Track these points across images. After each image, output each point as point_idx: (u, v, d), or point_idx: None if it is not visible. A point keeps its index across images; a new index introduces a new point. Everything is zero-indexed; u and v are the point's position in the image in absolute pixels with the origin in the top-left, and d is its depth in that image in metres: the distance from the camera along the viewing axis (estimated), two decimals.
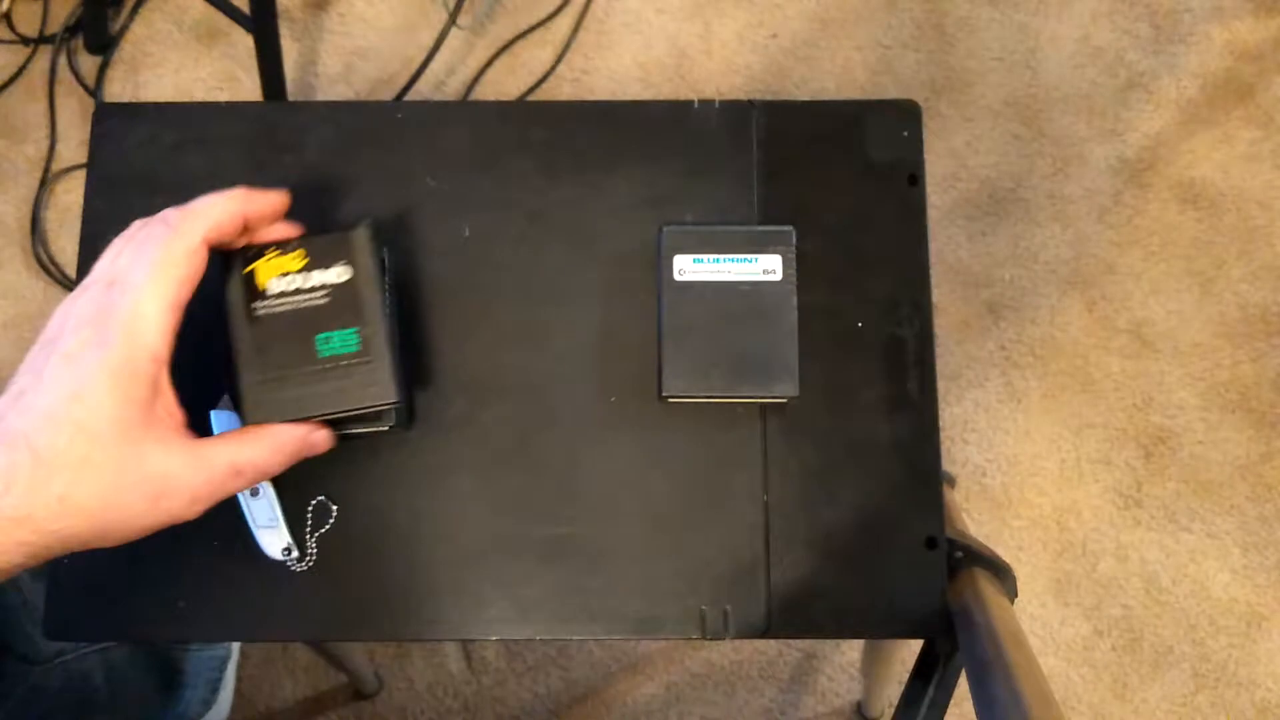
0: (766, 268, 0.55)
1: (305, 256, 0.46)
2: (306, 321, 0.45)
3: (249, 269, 0.45)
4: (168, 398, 0.40)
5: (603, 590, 0.54)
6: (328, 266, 0.46)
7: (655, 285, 0.56)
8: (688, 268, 0.55)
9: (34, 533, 0.36)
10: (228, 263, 0.45)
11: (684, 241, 0.55)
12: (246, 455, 0.41)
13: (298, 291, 0.46)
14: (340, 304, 0.46)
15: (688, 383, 0.54)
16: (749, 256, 0.55)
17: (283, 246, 0.45)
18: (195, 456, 0.39)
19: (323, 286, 0.46)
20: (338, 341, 0.45)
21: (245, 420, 0.44)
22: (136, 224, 0.43)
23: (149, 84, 1.29)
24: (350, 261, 0.46)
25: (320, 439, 0.45)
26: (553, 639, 0.57)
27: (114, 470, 0.37)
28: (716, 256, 0.55)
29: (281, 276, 0.46)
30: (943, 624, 0.54)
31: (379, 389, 0.45)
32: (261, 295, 0.45)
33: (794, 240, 0.55)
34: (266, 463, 0.42)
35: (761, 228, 0.56)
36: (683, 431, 0.56)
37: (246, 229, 0.44)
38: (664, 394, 0.54)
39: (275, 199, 0.45)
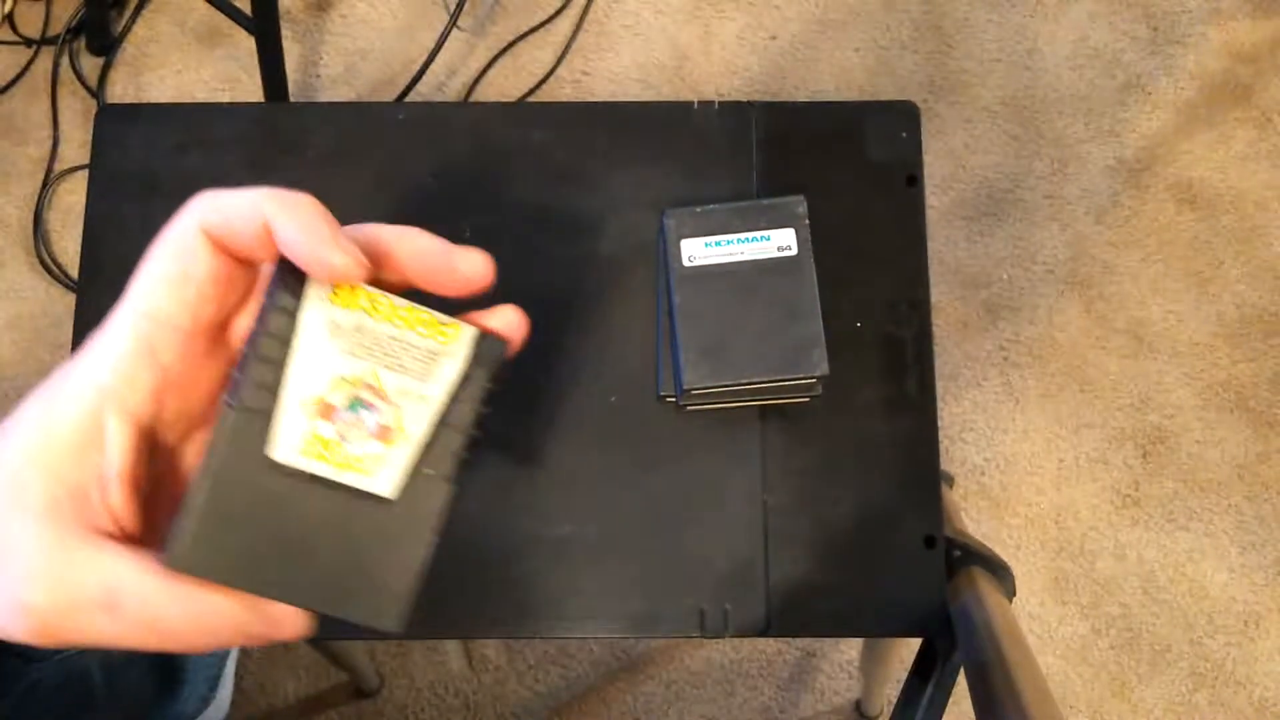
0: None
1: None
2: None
3: None
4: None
5: (603, 589, 0.54)
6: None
7: (655, 285, 0.56)
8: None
9: None
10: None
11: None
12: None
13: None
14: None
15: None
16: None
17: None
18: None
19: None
20: None
21: None
22: None
23: (151, 85, 1.29)
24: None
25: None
26: (553, 637, 0.57)
27: None
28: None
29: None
30: (941, 623, 0.54)
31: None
32: None
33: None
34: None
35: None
36: (682, 431, 0.56)
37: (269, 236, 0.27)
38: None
39: (314, 226, 0.27)
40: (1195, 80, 1.28)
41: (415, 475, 0.28)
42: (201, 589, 0.27)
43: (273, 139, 0.59)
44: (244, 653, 1.09)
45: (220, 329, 0.29)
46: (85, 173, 1.11)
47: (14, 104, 1.28)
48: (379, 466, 0.28)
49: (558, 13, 1.30)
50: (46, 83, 1.28)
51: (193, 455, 0.30)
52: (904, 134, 0.60)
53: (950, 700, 0.55)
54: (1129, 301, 1.21)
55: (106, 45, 1.28)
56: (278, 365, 0.27)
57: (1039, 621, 1.14)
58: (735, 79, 1.29)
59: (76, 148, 1.26)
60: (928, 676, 0.56)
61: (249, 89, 1.28)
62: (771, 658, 1.13)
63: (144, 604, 0.26)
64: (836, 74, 1.29)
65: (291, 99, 1.21)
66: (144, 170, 0.59)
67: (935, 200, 1.24)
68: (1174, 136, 1.26)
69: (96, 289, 0.58)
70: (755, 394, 0.54)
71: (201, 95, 1.29)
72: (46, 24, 1.29)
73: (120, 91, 1.29)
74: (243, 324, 0.30)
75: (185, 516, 0.26)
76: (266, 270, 0.29)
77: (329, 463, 0.27)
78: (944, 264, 1.22)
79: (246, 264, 0.28)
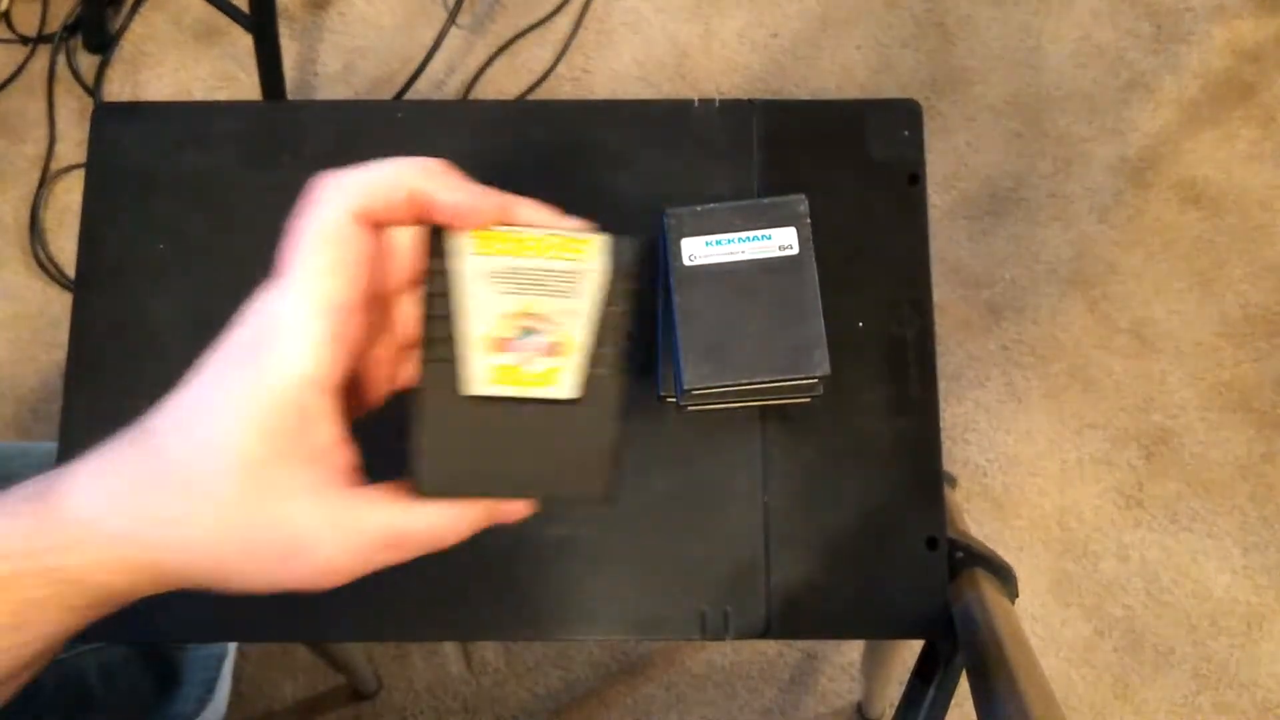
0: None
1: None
2: None
3: None
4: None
5: (603, 591, 0.54)
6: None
7: (655, 285, 0.56)
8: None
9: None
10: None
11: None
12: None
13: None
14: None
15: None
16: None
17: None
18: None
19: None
20: None
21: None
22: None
23: (148, 83, 1.29)
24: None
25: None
26: (552, 639, 0.57)
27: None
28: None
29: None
30: (944, 625, 0.54)
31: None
32: None
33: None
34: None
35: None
36: (682, 431, 0.55)
37: (420, 206, 0.33)
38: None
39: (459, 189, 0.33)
40: (1199, 79, 1.28)
41: (590, 376, 0.33)
42: (451, 503, 0.34)
43: (270, 137, 0.59)
44: (241, 655, 1.09)
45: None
46: (82, 171, 1.10)
47: (10, 102, 1.28)
48: (558, 377, 0.33)
49: (557, 10, 1.30)
50: (43, 81, 1.28)
51: (372, 369, 0.36)
52: (906, 132, 0.59)
53: (952, 702, 0.55)
54: (1132, 301, 1.21)
55: (103, 43, 1.28)
56: (450, 319, 0.32)
57: (1042, 623, 1.13)
58: (736, 76, 1.28)
59: (73, 146, 1.26)
60: (930, 679, 0.56)
61: (246, 87, 1.28)
62: (773, 660, 1.12)
63: (418, 530, 0.33)
64: (838, 72, 1.28)
65: (289, 97, 1.21)
66: (141, 169, 0.58)
67: (937, 199, 1.24)
68: (1178, 135, 1.26)
69: (93, 288, 0.57)
70: (756, 394, 0.53)
71: (199, 93, 1.28)
72: (43, 22, 1.29)
73: (117, 90, 1.28)
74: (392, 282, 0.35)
75: (418, 456, 0.33)
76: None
77: (516, 386, 0.33)
78: (946, 263, 1.22)
79: (383, 229, 0.33)
